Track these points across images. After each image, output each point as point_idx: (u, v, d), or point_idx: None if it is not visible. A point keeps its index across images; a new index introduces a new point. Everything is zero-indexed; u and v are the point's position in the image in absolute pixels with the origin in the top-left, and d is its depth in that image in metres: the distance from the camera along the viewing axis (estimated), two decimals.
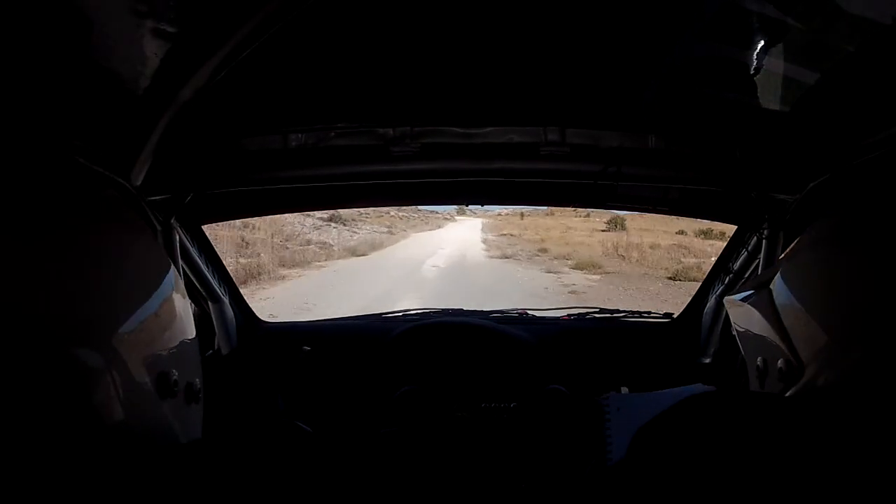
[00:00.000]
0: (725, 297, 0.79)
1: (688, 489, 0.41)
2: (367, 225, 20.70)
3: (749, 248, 1.38)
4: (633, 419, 1.16)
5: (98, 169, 0.89)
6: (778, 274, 0.57)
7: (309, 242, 14.87)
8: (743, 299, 0.64)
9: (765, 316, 0.55)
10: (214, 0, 0.63)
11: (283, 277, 10.66)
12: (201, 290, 1.43)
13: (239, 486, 0.43)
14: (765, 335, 0.55)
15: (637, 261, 14.13)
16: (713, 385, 1.19)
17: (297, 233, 15.34)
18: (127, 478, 0.40)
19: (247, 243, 12.15)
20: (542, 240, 19.18)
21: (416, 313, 1.71)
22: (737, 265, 1.44)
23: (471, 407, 1.35)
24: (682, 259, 13.48)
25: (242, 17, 0.63)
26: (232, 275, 1.61)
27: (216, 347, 1.50)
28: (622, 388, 1.37)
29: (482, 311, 1.75)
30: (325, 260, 13.27)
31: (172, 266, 0.57)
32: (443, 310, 1.73)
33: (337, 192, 1.45)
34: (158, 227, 1.15)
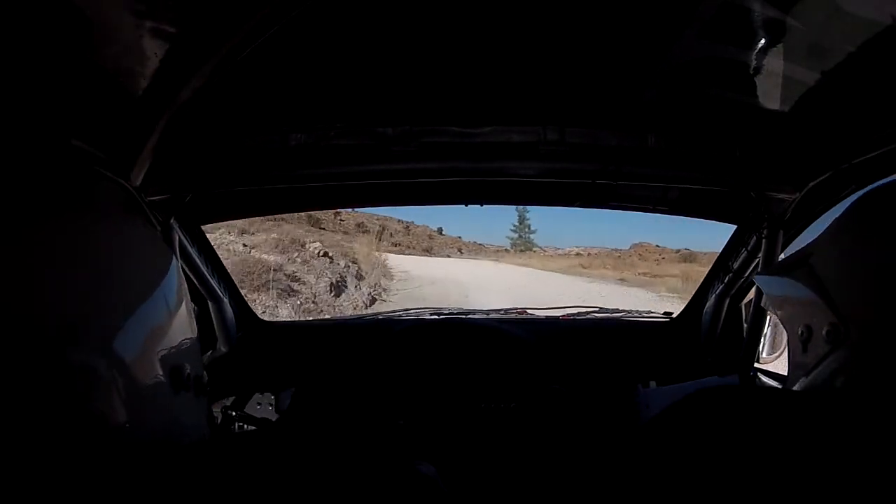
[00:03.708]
0: (757, 276, 0.79)
1: (691, 480, 0.41)
2: None
3: (749, 247, 1.38)
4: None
5: (97, 169, 0.89)
6: (813, 252, 0.57)
7: None
8: (779, 274, 0.64)
9: (806, 287, 0.56)
10: (214, 0, 0.63)
11: None
12: (201, 290, 1.43)
13: (241, 484, 0.43)
14: (806, 304, 0.56)
15: None
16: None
17: None
18: (142, 472, 0.40)
19: None
20: None
21: (416, 313, 1.71)
22: (736, 265, 1.44)
23: (470, 406, 1.35)
24: None
25: (242, 17, 0.63)
26: None
27: (216, 347, 1.50)
28: (650, 383, 1.39)
29: (482, 310, 1.75)
30: None
31: (175, 261, 0.57)
32: (442, 309, 1.74)
33: (336, 192, 1.45)
34: (158, 228, 1.15)
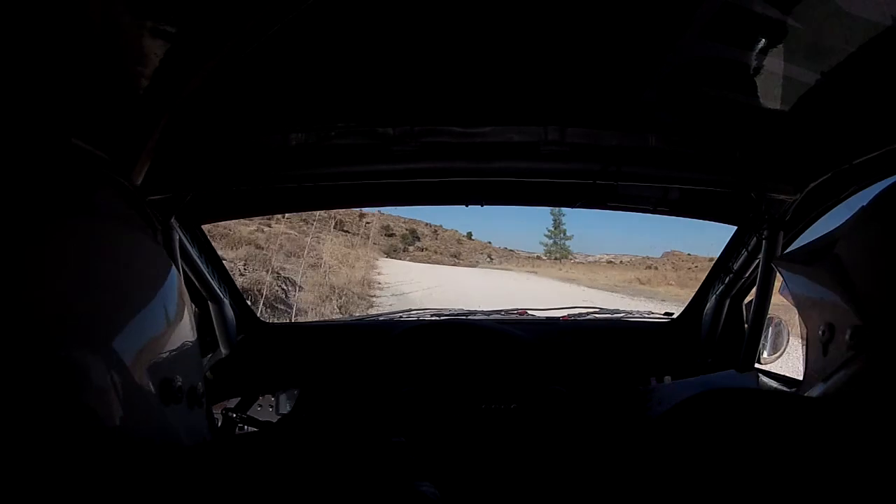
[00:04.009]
0: (776, 261, 0.77)
1: (693, 482, 0.41)
2: None
3: (749, 248, 1.38)
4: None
5: (98, 169, 0.89)
6: (840, 242, 0.55)
7: None
8: (801, 263, 0.62)
9: (830, 281, 0.53)
10: (214, 0, 0.63)
11: None
12: (201, 290, 1.43)
13: (240, 488, 0.43)
14: (830, 301, 0.54)
15: None
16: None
17: None
18: (128, 484, 0.40)
19: None
20: None
21: (417, 314, 1.71)
22: (737, 265, 1.44)
23: (471, 407, 1.35)
24: None
25: (243, 17, 0.63)
26: None
27: (217, 349, 1.50)
28: (665, 378, 1.39)
29: (482, 311, 1.75)
30: None
31: (174, 267, 0.57)
32: (443, 310, 1.74)
33: (337, 192, 1.45)
34: (158, 227, 1.15)
